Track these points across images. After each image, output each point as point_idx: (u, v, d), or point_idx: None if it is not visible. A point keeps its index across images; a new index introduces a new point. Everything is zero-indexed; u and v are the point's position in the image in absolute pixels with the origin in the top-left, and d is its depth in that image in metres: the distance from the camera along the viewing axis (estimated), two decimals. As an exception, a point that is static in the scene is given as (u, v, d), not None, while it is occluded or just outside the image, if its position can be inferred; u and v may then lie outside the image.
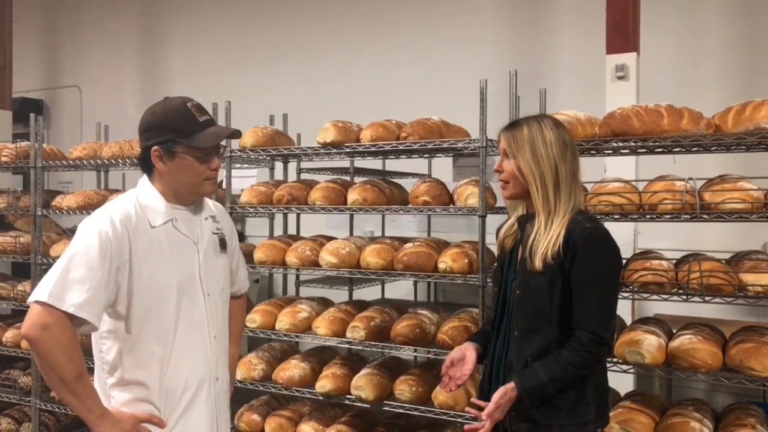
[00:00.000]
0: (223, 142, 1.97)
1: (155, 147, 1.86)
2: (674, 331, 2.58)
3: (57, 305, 1.64)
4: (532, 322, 1.90)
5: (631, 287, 2.45)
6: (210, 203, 2.08)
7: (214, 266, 1.98)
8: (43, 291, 1.66)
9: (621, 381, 2.70)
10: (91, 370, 1.81)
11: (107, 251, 1.72)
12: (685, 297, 2.42)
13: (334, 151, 3.04)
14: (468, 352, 2.06)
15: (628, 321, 2.88)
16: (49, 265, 1.77)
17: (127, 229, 1.78)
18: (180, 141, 1.83)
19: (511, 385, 1.86)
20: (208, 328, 1.92)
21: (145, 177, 1.94)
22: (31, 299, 1.68)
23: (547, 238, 1.87)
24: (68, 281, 1.67)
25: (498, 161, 2.03)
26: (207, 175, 1.89)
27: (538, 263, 1.87)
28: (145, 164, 1.92)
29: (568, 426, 1.88)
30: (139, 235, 1.80)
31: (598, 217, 2.31)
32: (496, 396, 1.86)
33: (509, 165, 1.96)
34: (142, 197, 1.89)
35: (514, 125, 1.99)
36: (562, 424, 1.87)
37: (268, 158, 3.66)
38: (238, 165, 3.66)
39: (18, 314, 4.16)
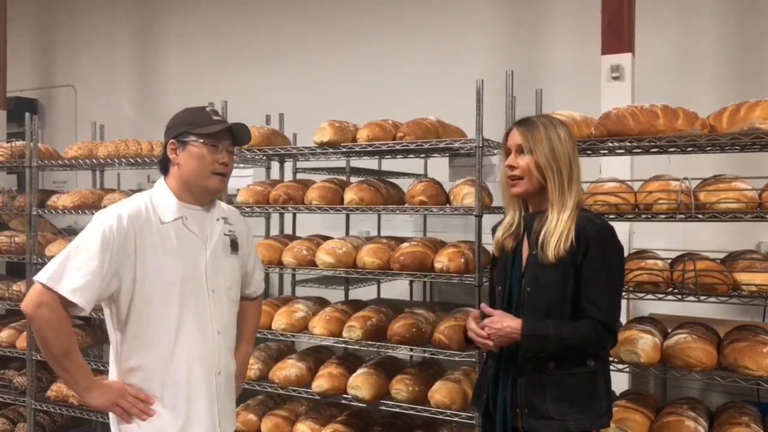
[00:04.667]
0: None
1: (171, 140, 1.98)
2: (669, 330, 2.59)
3: (53, 287, 1.78)
4: (544, 318, 1.91)
5: (626, 287, 2.46)
6: (224, 206, 2.17)
7: (222, 265, 2.05)
8: (45, 273, 1.81)
9: (616, 380, 2.69)
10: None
11: (108, 244, 1.83)
12: (680, 296, 2.44)
13: (331, 150, 3.05)
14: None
15: (624, 320, 2.89)
16: (44, 265, 1.86)
17: (134, 225, 1.88)
18: (192, 131, 1.95)
19: (518, 320, 1.88)
20: (211, 323, 1.99)
21: (161, 178, 2.04)
22: (35, 277, 1.83)
23: (558, 231, 1.89)
24: (68, 267, 1.80)
25: (508, 158, 2.02)
26: (215, 168, 1.97)
27: (551, 255, 1.88)
28: (163, 164, 2.03)
29: (582, 420, 1.90)
30: (147, 231, 1.90)
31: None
32: (504, 314, 1.89)
33: (524, 160, 1.97)
34: (156, 196, 2.00)
35: (527, 122, 2.01)
36: (577, 419, 1.89)
37: (265, 158, 3.66)
38: (234, 164, 3.65)
39: (13, 314, 4.14)
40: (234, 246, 2.10)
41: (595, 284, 1.87)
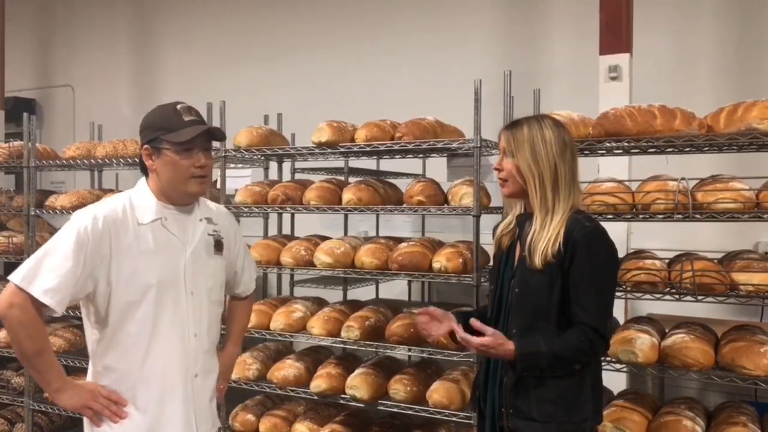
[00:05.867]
0: (218, 145, 2.02)
1: (145, 146, 1.95)
2: (667, 330, 2.59)
3: (26, 288, 1.79)
4: (531, 320, 1.92)
5: (624, 287, 2.47)
6: (211, 205, 2.15)
7: (203, 266, 2.02)
8: (19, 273, 1.81)
9: (614, 380, 2.71)
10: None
11: (83, 246, 1.82)
12: (677, 296, 2.44)
13: (329, 151, 3.05)
14: (449, 321, 2.05)
15: (622, 320, 2.90)
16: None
17: (110, 226, 1.87)
18: (164, 138, 1.90)
19: (511, 343, 1.87)
20: (188, 325, 1.97)
21: (143, 178, 2.02)
22: (9, 277, 1.84)
23: (546, 237, 1.88)
24: (41, 268, 1.80)
25: (498, 159, 2.03)
26: (191, 173, 1.92)
27: (537, 261, 1.88)
28: (142, 166, 2.01)
29: (565, 423, 1.89)
30: (123, 233, 1.89)
31: (593, 216, 2.32)
32: (498, 337, 1.86)
33: (508, 164, 1.97)
34: (135, 197, 1.98)
35: (514, 124, 2.00)
36: (560, 422, 1.88)
37: (263, 158, 3.66)
38: (232, 165, 3.65)
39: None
40: (218, 246, 2.07)
41: (584, 288, 1.86)
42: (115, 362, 1.91)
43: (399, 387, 2.81)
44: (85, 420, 1.95)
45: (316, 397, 2.98)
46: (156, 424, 1.92)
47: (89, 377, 1.98)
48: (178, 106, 1.94)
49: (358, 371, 2.91)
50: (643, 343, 2.38)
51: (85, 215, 1.88)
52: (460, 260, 2.71)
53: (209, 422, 2.09)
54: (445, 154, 3.27)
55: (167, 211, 1.97)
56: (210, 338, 2.07)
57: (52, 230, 4.33)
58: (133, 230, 1.90)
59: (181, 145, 1.89)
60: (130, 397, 1.91)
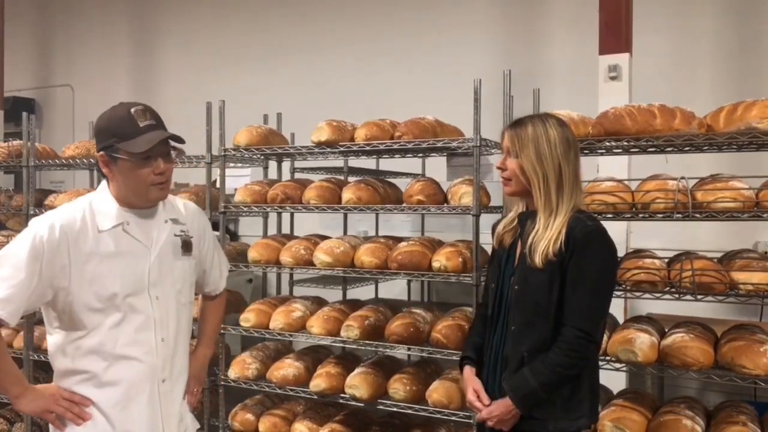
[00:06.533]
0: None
1: (101, 152, 1.87)
2: (666, 329, 2.59)
3: None
4: (530, 317, 1.92)
5: (623, 286, 2.47)
6: (179, 204, 2.08)
7: (170, 269, 1.96)
8: None
9: (614, 379, 2.71)
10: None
11: (38, 255, 1.77)
12: (677, 295, 2.44)
13: (329, 150, 3.05)
14: (476, 385, 2.07)
15: (621, 320, 2.90)
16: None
17: (67, 234, 1.81)
18: (119, 146, 1.82)
19: (508, 401, 1.90)
20: (154, 330, 1.91)
21: (104, 181, 1.96)
22: None
23: (547, 237, 1.88)
24: None
25: (501, 158, 2.03)
26: (152, 180, 1.86)
27: (538, 261, 1.88)
28: (101, 169, 1.95)
29: (562, 420, 1.90)
30: (83, 240, 1.83)
31: (595, 216, 2.32)
32: (500, 412, 1.92)
33: (512, 163, 1.96)
34: (96, 201, 1.91)
35: (518, 123, 1.99)
36: (556, 419, 1.89)
37: (262, 157, 3.66)
38: (231, 164, 3.65)
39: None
40: (186, 247, 2.00)
41: (579, 287, 1.86)
42: (77, 366, 1.86)
43: (398, 386, 2.81)
44: (51, 427, 1.91)
45: (315, 397, 2.97)
46: (120, 430, 1.87)
47: (54, 381, 1.93)
48: (132, 110, 1.84)
49: (357, 370, 2.91)
50: (643, 342, 2.38)
51: (41, 223, 1.81)
52: (460, 259, 2.71)
53: (181, 427, 2.03)
54: (445, 154, 3.27)
55: (129, 216, 1.89)
56: (180, 341, 2.01)
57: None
58: (93, 237, 1.83)
59: (138, 155, 1.81)
60: (94, 401, 1.86)
